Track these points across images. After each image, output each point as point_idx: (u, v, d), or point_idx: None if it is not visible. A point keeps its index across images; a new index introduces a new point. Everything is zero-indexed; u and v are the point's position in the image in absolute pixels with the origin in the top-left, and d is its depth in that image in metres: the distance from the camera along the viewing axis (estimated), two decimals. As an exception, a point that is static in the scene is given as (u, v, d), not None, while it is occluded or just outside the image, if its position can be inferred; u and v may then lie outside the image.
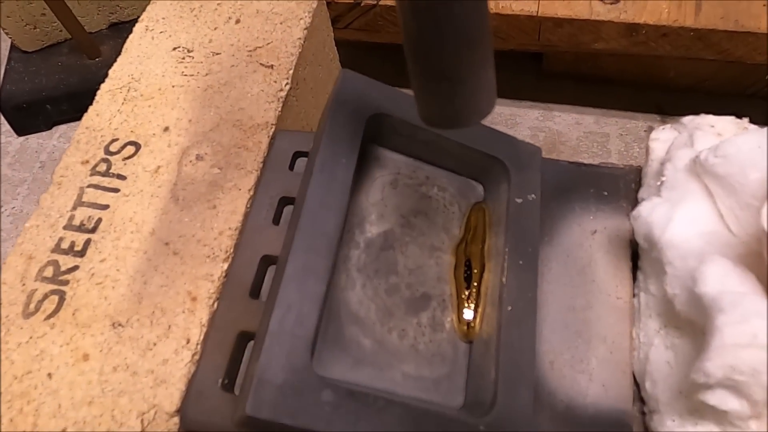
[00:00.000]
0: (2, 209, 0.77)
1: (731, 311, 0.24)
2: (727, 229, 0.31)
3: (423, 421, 0.25)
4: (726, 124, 0.36)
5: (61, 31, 0.86)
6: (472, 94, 0.22)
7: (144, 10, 0.52)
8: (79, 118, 0.44)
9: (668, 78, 0.77)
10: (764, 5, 0.60)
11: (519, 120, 0.76)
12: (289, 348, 0.24)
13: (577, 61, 0.78)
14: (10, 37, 0.86)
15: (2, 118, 0.85)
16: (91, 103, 0.45)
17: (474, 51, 0.21)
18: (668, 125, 0.38)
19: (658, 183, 0.34)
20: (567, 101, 0.78)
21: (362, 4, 0.68)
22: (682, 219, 0.31)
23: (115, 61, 0.48)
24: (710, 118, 0.36)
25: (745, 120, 0.36)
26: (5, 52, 0.89)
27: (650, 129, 0.76)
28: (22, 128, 0.85)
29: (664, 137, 0.37)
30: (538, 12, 0.64)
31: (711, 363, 0.24)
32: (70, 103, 0.83)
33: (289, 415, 0.23)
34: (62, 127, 0.85)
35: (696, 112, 0.38)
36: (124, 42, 0.49)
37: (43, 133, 0.85)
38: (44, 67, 0.85)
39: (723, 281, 0.26)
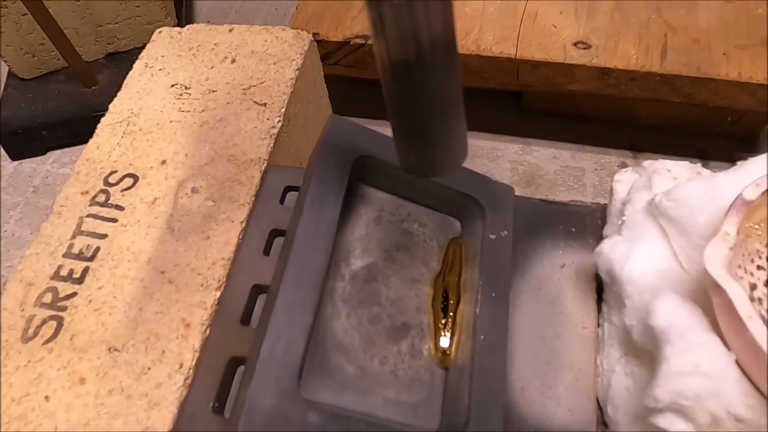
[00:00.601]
0: (-6, 233, 0.78)
1: (677, 342, 0.27)
2: (679, 266, 0.34)
3: (400, 443, 0.27)
4: (681, 168, 0.39)
5: (58, 59, 0.88)
6: (445, 149, 0.25)
7: (140, 41, 0.55)
8: (73, 144, 0.46)
9: (640, 117, 0.81)
10: (723, 54, 0.65)
11: (500, 153, 0.79)
12: (278, 374, 0.26)
13: (555, 99, 0.82)
14: (8, 65, 0.89)
15: (-3, 142, 0.86)
16: (86, 131, 0.47)
17: (447, 112, 0.24)
18: (630, 168, 0.42)
19: (620, 222, 0.37)
20: (545, 136, 0.82)
21: (351, 43, 0.72)
22: (639, 256, 0.34)
23: (111, 89, 0.50)
24: (667, 163, 0.39)
25: (699, 164, 0.40)
26: (3, 79, 0.92)
27: (623, 164, 0.81)
28: (16, 153, 0.87)
29: (626, 179, 0.40)
30: (516, 55, 0.68)
31: (659, 389, 0.27)
32: (65, 129, 0.85)
33: (277, 436, 0.25)
34: (56, 153, 0.87)
35: (666, 149, 0.41)
36: (120, 71, 0.51)
37: (37, 158, 0.87)
38: (41, 94, 0.88)
39: (672, 315, 0.29)
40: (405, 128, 0.24)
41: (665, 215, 0.34)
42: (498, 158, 0.79)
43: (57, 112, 0.85)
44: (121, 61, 0.90)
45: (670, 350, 0.27)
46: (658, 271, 0.33)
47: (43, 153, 0.87)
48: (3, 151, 0.87)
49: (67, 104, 0.86)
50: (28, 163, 0.86)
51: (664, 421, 0.27)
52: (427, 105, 0.23)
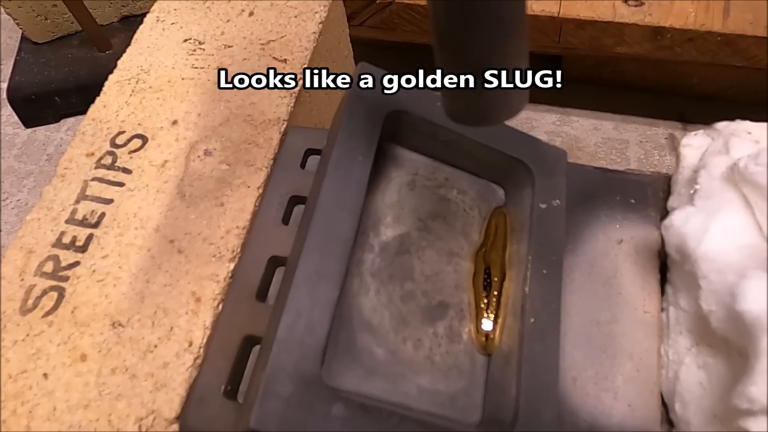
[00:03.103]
0: (8, 201, 0.76)
1: (778, 332, 0.22)
2: (767, 242, 0.29)
3: (439, 440, 0.23)
4: (764, 131, 0.34)
5: (72, 23, 0.85)
6: (504, 89, 0.20)
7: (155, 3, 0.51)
8: (87, 111, 0.43)
9: (691, 85, 0.75)
10: (795, 11, 0.58)
11: (536, 124, 0.74)
12: (298, 357, 0.23)
13: (597, 65, 0.76)
14: (20, 28, 0.86)
15: (10, 109, 0.84)
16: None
17: (509, 39, 0.19)
18: (701, 131, 0.36)
19: (691, 191, 0.32)
20: (586, 106, 0.76)
21: (378, 2, 0.67)
22: (718, 230, 0.29)
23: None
24: (747, 125, 0.34)
25: (784, 127, 0.34)
26: (15, 43, 0.89)
27: (671, 137, 0.74)
28: (29, 120, 0.85)
29: (696, 143, 0.35)
30: (559, 13, 0.62)
31: (756, 388, 0.22)
32: (79, 96, 0.82)
33: (296, 430, 0.21)
34: (70, 120, 0.84)
35: (719, 121, 0.36)
36: (135, 35, 0.48)
37: (51, 126, 0.84)
38: (54, 59, 0.85)
39: (767, 299, 0.24)
40: (456, 61, 0.20)
41: (752, 182, 0.29)
42: (534, 129, 0.73)
43: (70, 77, 0.82)
44: (136, 24, 0.85)
45: (769, 341, 0.22)
46: (742, 248, 0.28)
47: (57, 120, 0.84)
48: (16, 118, 0.85)
49: (81, 69, 0.83)
50: (41, 131, 0.84)
51: (757, 425, 0.23)
52: (486, 29, 0.18)
